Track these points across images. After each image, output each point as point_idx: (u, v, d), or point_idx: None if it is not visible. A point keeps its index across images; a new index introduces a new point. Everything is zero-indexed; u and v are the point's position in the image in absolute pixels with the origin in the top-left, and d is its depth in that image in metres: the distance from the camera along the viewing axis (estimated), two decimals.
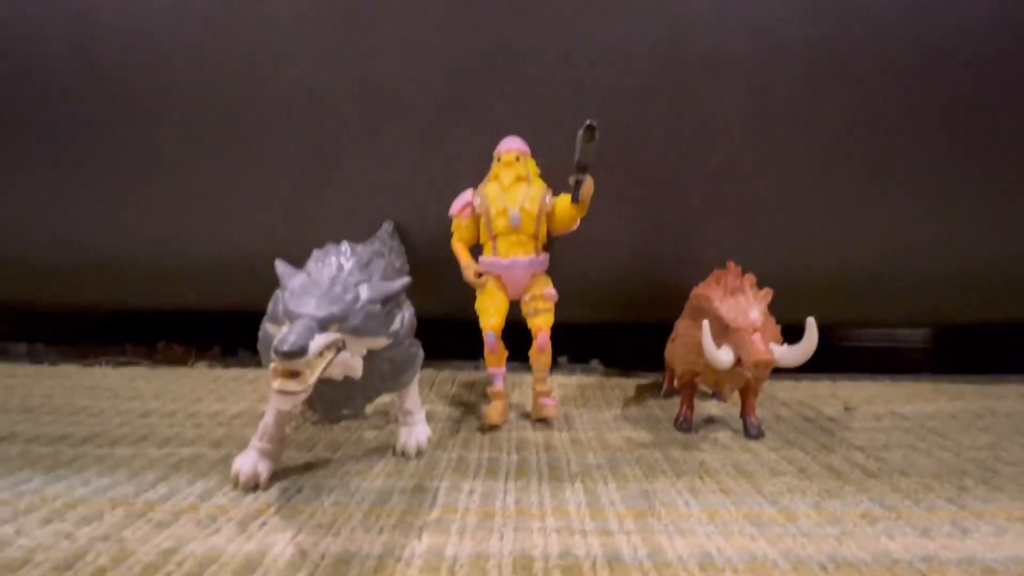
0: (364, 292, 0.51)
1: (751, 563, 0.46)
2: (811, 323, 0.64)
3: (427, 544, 0.48)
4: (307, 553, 0.47)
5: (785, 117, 0.94)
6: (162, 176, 1.00)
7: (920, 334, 1.51)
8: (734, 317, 0.67)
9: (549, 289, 0.82)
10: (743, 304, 0.68)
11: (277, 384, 0.45)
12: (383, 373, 0.57)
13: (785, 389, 1.00)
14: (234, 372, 1.05)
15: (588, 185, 0.74)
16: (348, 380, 0.55)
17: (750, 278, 0.72)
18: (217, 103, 0.97)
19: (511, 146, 0.83)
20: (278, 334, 0.47)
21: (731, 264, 0.74)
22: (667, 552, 0.47)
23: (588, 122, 0.65)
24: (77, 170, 1.00)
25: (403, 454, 0.67)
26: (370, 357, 0.54)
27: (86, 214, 1.02)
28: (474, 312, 0.83)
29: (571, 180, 0.74)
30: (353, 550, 0.47)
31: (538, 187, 0.81)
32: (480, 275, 0.81)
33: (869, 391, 0.99)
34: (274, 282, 0.57)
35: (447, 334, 1.04)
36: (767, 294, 0.71)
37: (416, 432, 0.68)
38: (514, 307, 0.83)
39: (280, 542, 0.48)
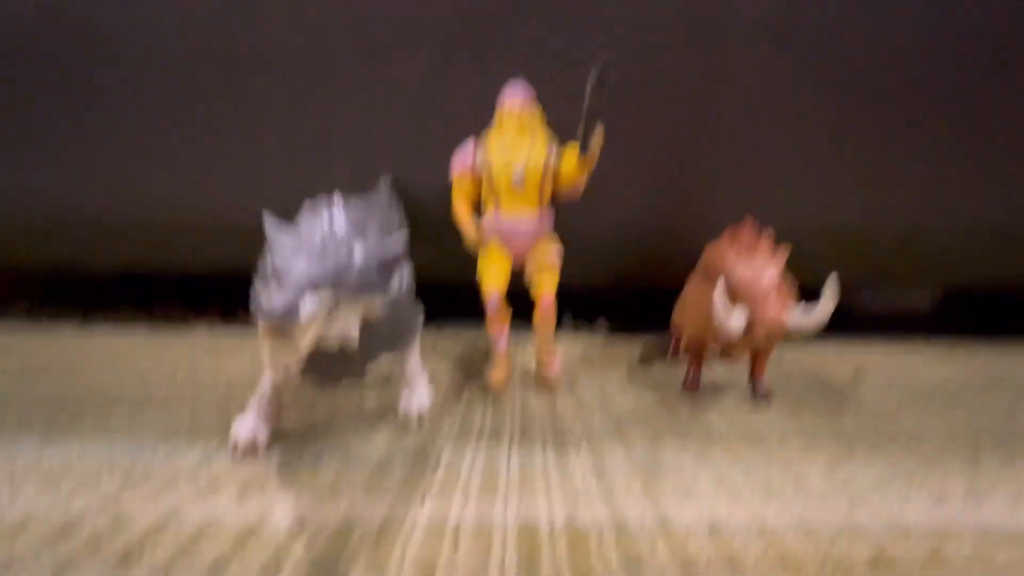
0: (358, 250, 0.48)
1: (761, 531, 0.45)
2: (831, 282, 0.61)
3: (430, 511, 0.47)
4: (307, 520, 0.46)
5: (807, 67, 0.89)
6: (155, 137, 0.96)
7: (932, 298, 1.49)
8: (748, 279, 0.64)
9: (554, 252, 0.79)
10: (759, 264, 0.66)
11: (268, 348, 0.42)
12: (382, 334, 0.55)
13: (795, 352, 0.98)
14: (233, 334, 1.03)
15: (598, 135, 0.70)
16: (343, 344, 0.52)
17: (768, 235, 0.69)
18: (206, 60, 0.92)
19: (515, 96, 0.78)
20: (267, 296, 0.44)
21: (749, 220, 0.70)
22: (675, 519, 0.46)
23: (600, 64, 0.60)
24: (69, 130, 0.96)
25: (404, 418, 0.66)
26: (367, 320, 0.51)
27: (80, 175, 0.99)
28: (476, 272, 0.80)
29: (580, 130, 0.70)
30: (354, 517, 0.46)
31: (543, 140, 0.77)
32: (481, 235, 0.78)
33: (879, 355, 0.97)
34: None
35: (449, 294, 1.02)
36: (784, 252, 0.68)
37: (418, 395, 0.67)
38: (517, 272, 0.80)
39: (280, 508, 0.47)
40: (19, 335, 1.00)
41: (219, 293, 1.22)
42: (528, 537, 0.44)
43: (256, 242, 0.91)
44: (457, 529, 0.45)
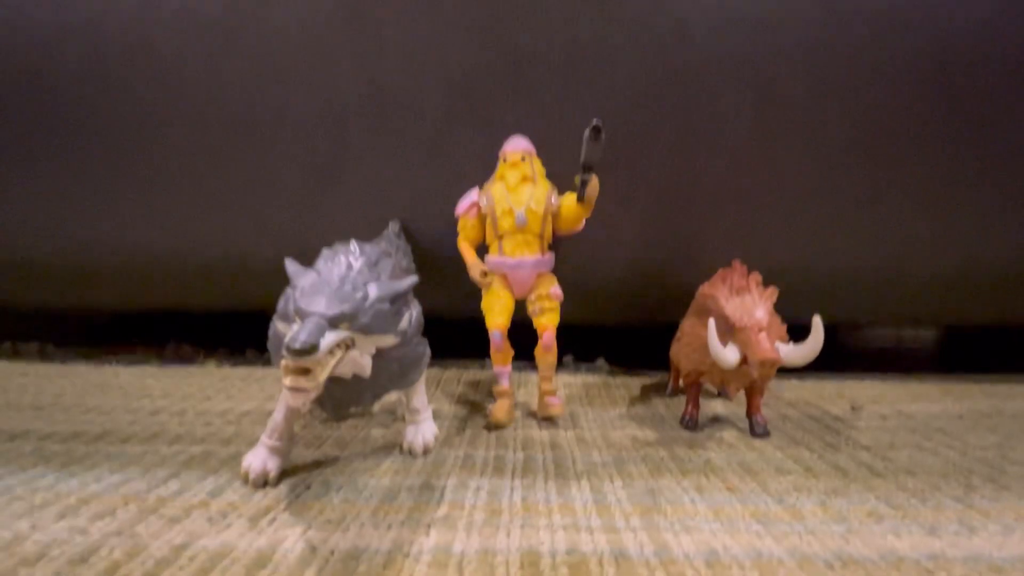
0: (373, 291, 0.51)
1: (757, 561, 0.46)
2: (817, 322, 0.64)
3: (435, 540, 0.49)
4: (317, 549, 0.47)
5: (790, 118, 0.94)
6: (171, 179, 1.01)
7: (926, 334, 1.51)
8: (740, 316, 0.67)
9: (555, 288, 0.82)
10: (749, 303, 0.69)
11: (288, 381, 0.45)
12: (391, 371, 0.58)
13: (791, 388, 1.00)
14: (242, 371, 1.06)
15: (594, 185, 0.75)
16: (357, 378, 0.55)
17: (756, 277, 0.72)
18: (225, 107, 0.98)
19: (517, 146, 0.83)
20: (289, 332, 0.47)
21: (737, 263, 0.74)
22: (673, 549, 0.48)
23: (594, 122, 0.66)
24: (87, 174, 1.01)
25: (410, 452, 0.68)
26: (379, 355, 0.54)
27: (96, 217, 1.03)
28: (480, 311, 0.83)
29: (577, 180, 0.74)
30: (362, 546, 0.48)
31: (544, 187, 0.82)
32: (486, 274, 0.82)
33: (875, 391, 0.99)
34: (282, 283, 0.58)
35: (453, 333, 1.04)
36: (773, 293, 0.71)
37: (423, 430, 0.69)
38: (520, 306, 0.84)
39: (290, 538, 0.49)
40: (33, 372, 1.02)
41: (228, 332, 1.25)
42: (530, 566, 0.45)
43: (264, 282, 0.95)
44: (462, 558, 0.46)
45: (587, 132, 0.66)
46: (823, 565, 0.46)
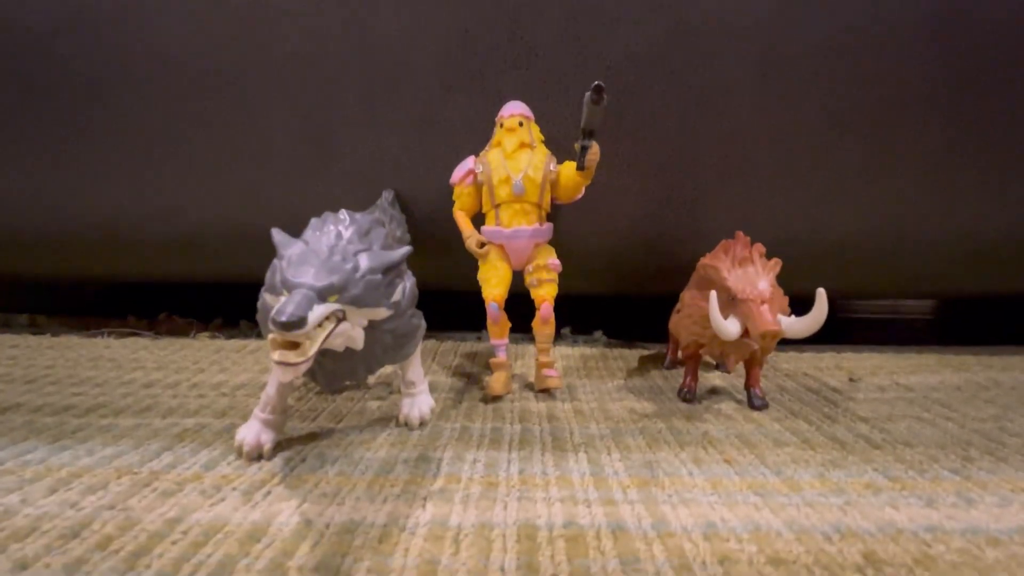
0: (364, 261, 0.50)
1: (755, 533, 0.46)
2: (821, 294, 0.63)
3: (431, 513, 0.48)
4: (312, 522, 0.47)
5: (793, 86, 0.92)
6: (160, 146, 0.98)
7: (924, 305, 1.51)
8: (742, 288, 0.66)
9: (553, 259, 0.81)
10: (751, 274, 0.67)
11: (276, 356, 0.44)
12: (385, 344, 0.56)
13: (789, 360, 1.00)
14: (236, 343, 1.05)
15: (594, 152, 0.72)
16: (349, 351, 0.54)
17: (759, 248, 0.71)
18: (214, 72, 0.94)
19: (514, 111, 0.80)
20: (276, 305, 0.46)
21: (740, 234, 0.72)
22: (671, 522, 0.47)
23: (595, 84, 0.63)
24: (74, 141, 0.98)
25: (406, 425, 0.67)
26: (371, 328, 0.53)
27: (83, 185, 1.00)
28: (476, 282, 0.82)
29: (577, 146, 0.72)
30: (358, 519, 0.47)
31: (542, 154, 0.79)
32: (482, 245, 0.80)
33: (873, 362, 0.98)
34: (272, 252, 0.56)
35: (449, 304, 1.03)
36: (776, 264, 0.70)
37: (419, 403, 0.68)
38: (516, 277, 0.82)
39: (285, 511, 0.49)
40: (23, 345, 1.01)
41: (221, 303, 1.24)
42: (527, 539, 0.45)
43: (257, 253, 0.93)
44: (458, 531, 0.46)
45: (588, 95, 0.63)
46: (821, 537, 0.46)
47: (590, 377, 0.89)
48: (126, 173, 0.99)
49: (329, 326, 0.47)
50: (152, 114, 0.96)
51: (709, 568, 0.41)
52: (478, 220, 0.83)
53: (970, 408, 0.77)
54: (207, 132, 0.97)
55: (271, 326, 0.43)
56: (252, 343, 1.05)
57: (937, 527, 0.48)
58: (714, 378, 0.89)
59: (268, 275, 0.52)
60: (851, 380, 0.88)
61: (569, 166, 0.78)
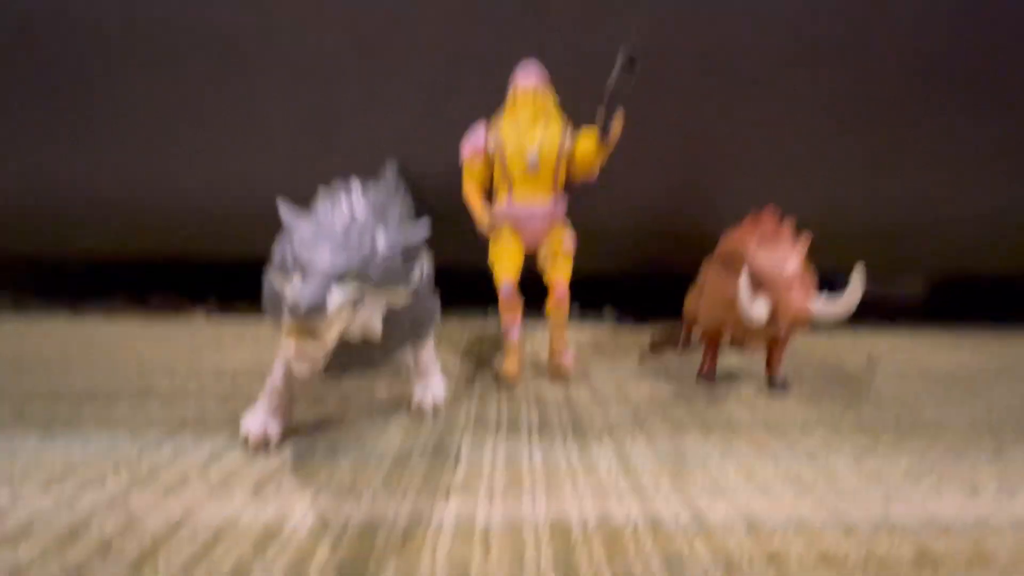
0: (382, 241, 0.45)
1: (800, 528, 0.44)
2: (858, 275, 0.60)
3: (456, 509, 0.46)
4: (329, 521, 0.44)
5: (822, 61, 0.87)
6: (149, 117, 0.92)
7: (937, 285, 1.49)
8: (771, 267, 0.63)
9: (568, 238, 0.77)
10: (781, 253, 0.64)
11: (293, 346, 0.40)
12: (403, 329, 0.52)
13: (803, 341, 0.98)
14: (234, 324, 1.00)
15: (619, 123, 0.68)
16: (365, 338, 0.50)
17: (789, 224, 0.67)
18: (210, 39, 0.88)
19: (529, 77, 0.75)
20: (288, 289, 0.41)
21: (769, 208, 0.68)
22: (710, 517, 0.45)
23: (631, 43, 0.57)
24: (61, 115, 0.92)
25: (419, 411, 0.64)
26: (389, 313, 0.49)
27: (70, 159, 0.94)
28: (483, 258, 0.78)
29: (599, 116, 0.67)
30: (378, 517, 0.44)
31: (558, 126, 0.75)
32: (494, 223, 0.76)
33: (890, 343, 0.96)
34: (272, 230, 0.51)
35: (454, 282, 0.99)
36: (805, 242, 0.66)
37: (432, 387, 0.65)
38: (528, 256, 0.78)
39: (298, 509, 0.45)
40: (8, 326, 0.96)
41: (215, 282, 1.19)
42: (561, 536, 0.42)
43: (252, 229, 0.88)
44: (487, 529, 0.43)
45: (620, 60, 0.58)
46: (869, 532, 0.43)
47: (603, 358, 0.86)
48: (114, 146, 0.93)
49: (347, 312, 0.43)
50: (145, 88, 0.90)
51: (757, 568, 0.39)
52: (489, 195, 0.78)
53: (995, 391, 0.75)
54: (200, 101, 0.91)
55: (287, 314, 0.39)
56: (251, 324, 1.00)
57: (986, 520, 0.46)
58: (730, 359, 0.87)
59: (275, 254, 0.48)
60: (870, 361, 0.86)
61: (587, 138, 0.73)
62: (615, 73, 0.60)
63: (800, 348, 0.93)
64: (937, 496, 0.49)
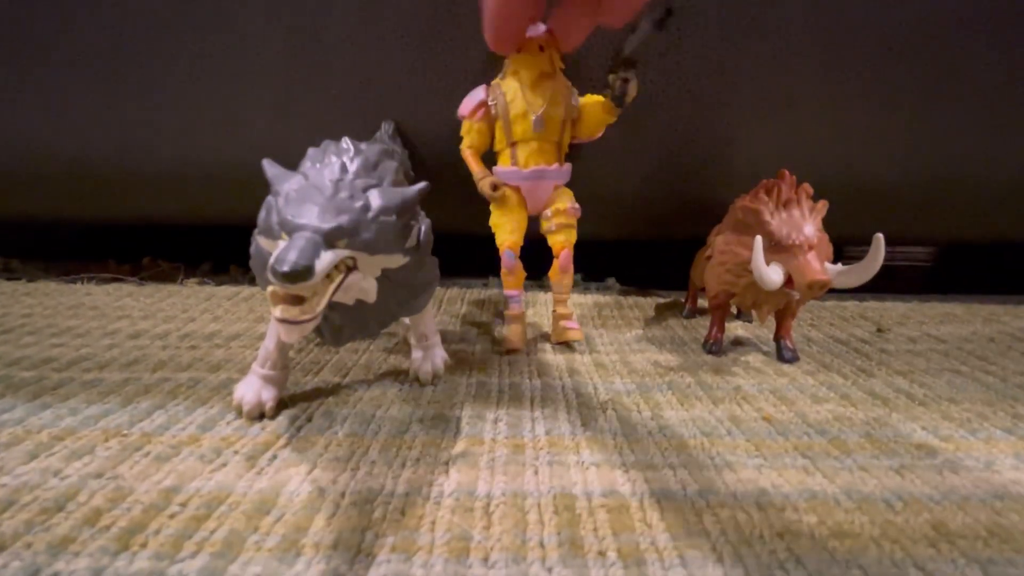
0: (375, 199, 0.42)
1: (811, 501, 0.42)
2: (878, 240, 0.57)
3: (456, 481, 0.44)
4: (325, 491, 0.42)
5: (834, 19, 0.82)
6: (128, 70, 0.88)
7: (947, 253, 1.46)
8: (787, 233, 0.60)
9: (573, 204, 0.74)
10: (797, 218, 0.61)
11: (278, 312, 0.38)
12: (399, 296, 0.50)
13: (811, 308, 0.96)
14: (227, 290, 0.98)
15: (634, 85, 0.64)
16: (360, 303, 0.48)
17: (806, 189, 0.64)
18: None
19: (535, 31, 0.71)
20: (275, 251, 0.39)
21: (784, 172, 0.65)
22: (720, 489, 0.44)
23: (667, 7, 0.51)
24: (47, 72, 0.88)
25: (418, 380, 0.62)
26: (384, 278, 0.46)
27: (57, 118, 0.90)
28: (483, 224, 0.75)
29: (613, 78, 0.63)
30: (376, 488, 0.43)
31: (563, 85, 0.71)
32: (496, 187, 0.73)
33: (899, 312, 0.94)
34: (263, 191, 0.48)
35: (453, 248, 0.96)
36: (823, 207, 0.64)
37: (432, 356, 0.63)
38: (531, 222, 0.75)
39: (294, 479, 0.44)
40: None
41: (209, 246, 1.16)
42: (565, 509, 0.41)
43: (241, 190, 0.84)
44: (488, 501, 0.42)
45: (647, 19, 0.52)
46: (883, 506, 0.42)
47: (607, 327, 0.84)
48: (91, 101, 0.89)
49: (338, 276, 0.41)
50: (131, 46, 0.86)
51: (768, 542, 0.38)
52: (489, 158, 0.75)
53: (1009, 361, 0.73)
54: (179, 52, 0.86)
55: (271, 277, 0.36)
56: (245, 290, 0.98)
57: (1003, 493, 0.44)
58: (736, 328, 0.85)
59: (261, 215, 0.45)
60: (879, 331, 0.84)
61: (593, 100, 0.69)
62: (643, 29, 0.54)
63: (804, 315, 0.91)
64: (953, 469, 0.47)
